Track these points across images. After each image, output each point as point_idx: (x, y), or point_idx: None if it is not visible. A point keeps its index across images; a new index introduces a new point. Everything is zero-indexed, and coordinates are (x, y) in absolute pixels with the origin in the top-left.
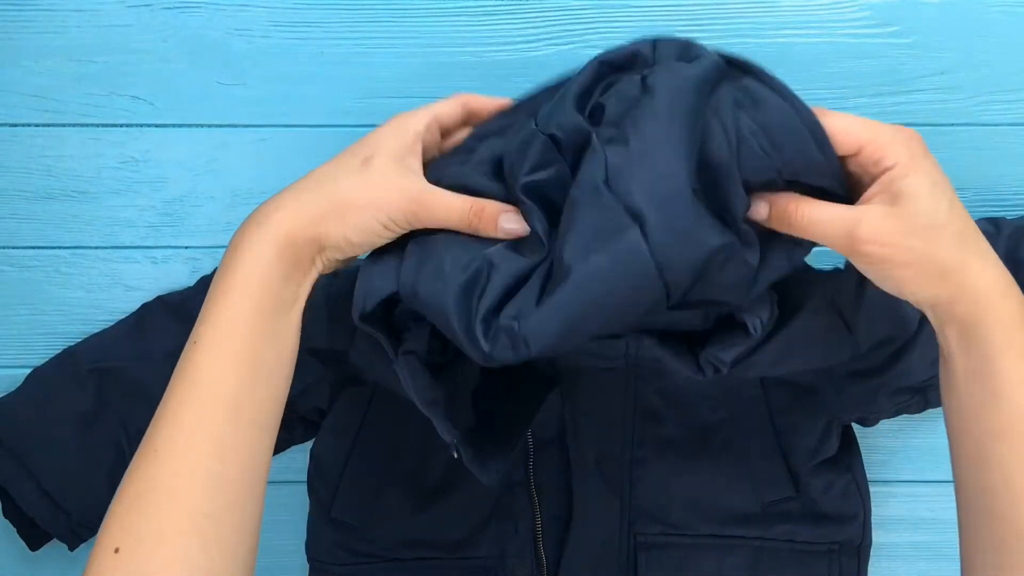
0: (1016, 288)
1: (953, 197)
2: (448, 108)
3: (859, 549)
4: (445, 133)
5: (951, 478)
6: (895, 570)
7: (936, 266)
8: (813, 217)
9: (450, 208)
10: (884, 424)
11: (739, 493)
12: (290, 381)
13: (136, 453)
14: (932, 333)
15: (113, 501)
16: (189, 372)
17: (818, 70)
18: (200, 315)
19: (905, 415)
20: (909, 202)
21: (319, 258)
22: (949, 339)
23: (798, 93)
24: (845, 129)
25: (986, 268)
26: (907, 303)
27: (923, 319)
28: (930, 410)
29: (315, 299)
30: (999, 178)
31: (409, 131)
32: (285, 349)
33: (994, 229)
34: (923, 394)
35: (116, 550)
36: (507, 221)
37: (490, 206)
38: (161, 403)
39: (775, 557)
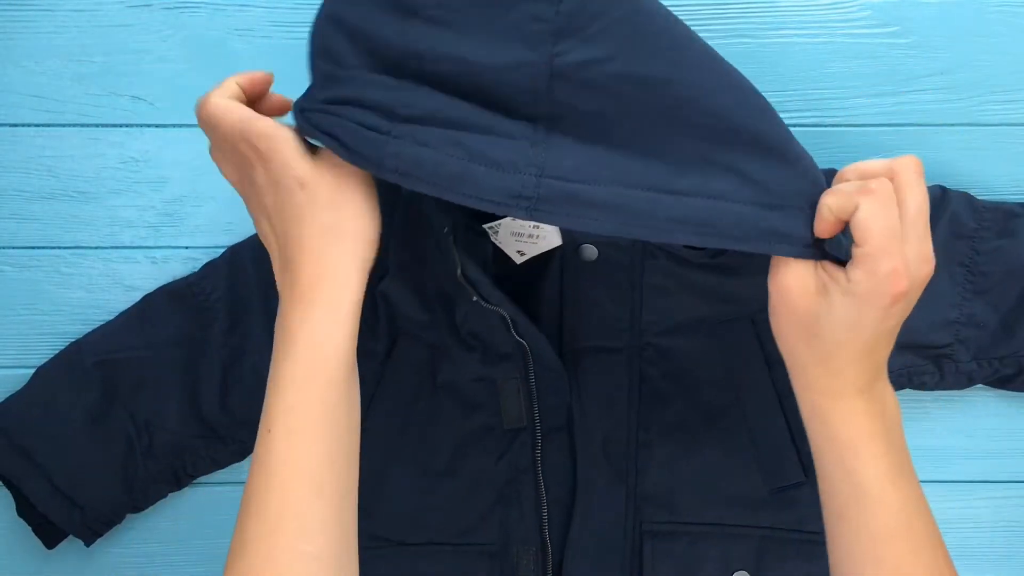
0: (867, 392)
1: (866, 345)
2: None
3: None
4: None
5: (951, 478)
6: None
7: (796, 355)
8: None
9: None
10: None
11: (747, 478)
12: (359, 434)
13: (231, 546)
14: (929, 290)
15: None
16: (265, 460)
17: (818, 70)
18: (266, 401)
19: (905, 414)
20: (825, 310)
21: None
22: (805, 420)
23: (798, 93)
24: (868, 227)
25: (831, 377)
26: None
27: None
28: (929, 411)
29: None
30: (999, 178)
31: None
32: (355, 408)
33: (1021, 210)
34: (936, 363)
35: None
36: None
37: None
38: (246, 494)
39: (782, 546)
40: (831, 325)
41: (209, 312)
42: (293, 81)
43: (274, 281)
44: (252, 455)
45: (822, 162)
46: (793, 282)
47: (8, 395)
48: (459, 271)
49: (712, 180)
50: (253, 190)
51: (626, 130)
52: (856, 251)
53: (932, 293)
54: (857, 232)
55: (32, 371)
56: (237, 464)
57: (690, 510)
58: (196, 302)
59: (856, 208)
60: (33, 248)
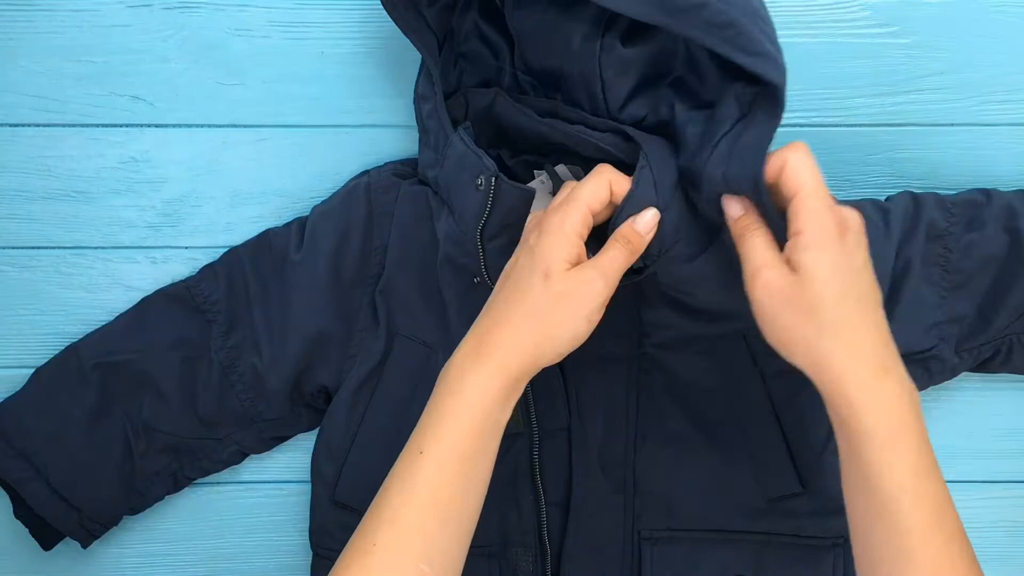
0: (893, 374)
1: (850, 285)
2: (597, 192)
3: None
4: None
5: (951, 478)
6: None
7: (803, 345)
8: (743, 242)
9: (615, 270)
10: None
11: (744, 489)
12: (484, 494)
13: (351, 544)
14: (913, 300)
15: None
16: (409, 478)
17: (818, 70)
18: (422, 427)
19: None
20: (804, 276)
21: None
22: (829, 415)
23: (798, 93)
24: (798, 174)
25: (853, 358)
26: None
27: (897, 285)
28: (929, 411)
29: (318, 273)
30: (999, 178)
31: (572, 237)
32: (491, 462)
33: (984, 198)
34: (923, 366)
35: None
36: (642, 227)
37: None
38: (377, 503)
39: (781, 551)
40: (814, 285)
41: (207, 314)
42: (293, 81)
43: (270, 282)
44: (396, 468)
45: (822, 162)
46: (769, 274)
47: (8, 395)
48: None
49: None
50: (522, 250)
51: None
52: (794, 202)
53: (916, 300)
54: (791, 182)
55: (32, 371)
56: (237, 465)
57: (688, 518)
58: (194, 304)
59: (786, 161)
60: (33, 248)
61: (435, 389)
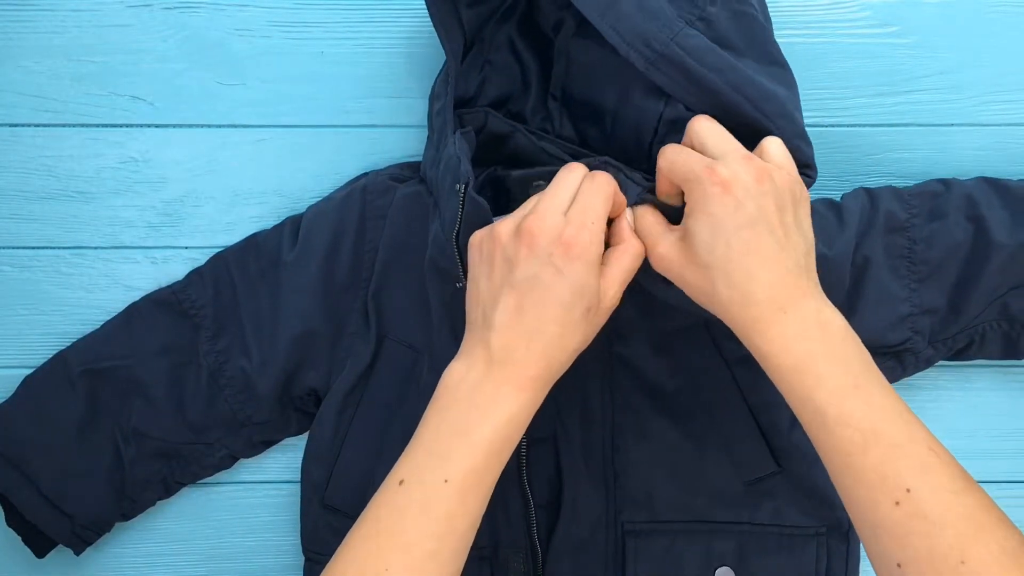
0: (791, 312)
1: (731, 239)
2: (607, 209)
3: (848, 532)
4: None
5: None
6: None
7: (707, 299)
8: (640, 217)
9: (625, 273)
10: None
11: (722, 475)
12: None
13: (362, 564)
14: (878, 293)
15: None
16: (432, 508)
17: (818, 70)
18: (460, 457)
19: None
20: (690, 241)
21: None
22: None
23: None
24: (672, 160)
25: (746, 306)
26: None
27: (859, 279)
28: (927, 411)
29: (310, 274)
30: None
31: (599, 262)
32: (502, 468)
33: (943, 188)
34: (897, 359)
35: None
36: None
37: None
38: (390, 525)
39: (763, 542)
40: (699, 248)
41: (194, 319)
42: (293, 81)
43: (258, 285)
44: (411, 489)
45: (822, 162)
46: (660, 249)
47: (8, 395)
48: (456, 233)
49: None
50: (540, 265)
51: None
52: (684, 195)
53: (882, 293)
54: (664, 170)
55: (32, 371)
56: (227, 469)
57: (669, 509)
58: (181, 309)
59: (660, 158)
60: (33, 248)
61: (449, 398)
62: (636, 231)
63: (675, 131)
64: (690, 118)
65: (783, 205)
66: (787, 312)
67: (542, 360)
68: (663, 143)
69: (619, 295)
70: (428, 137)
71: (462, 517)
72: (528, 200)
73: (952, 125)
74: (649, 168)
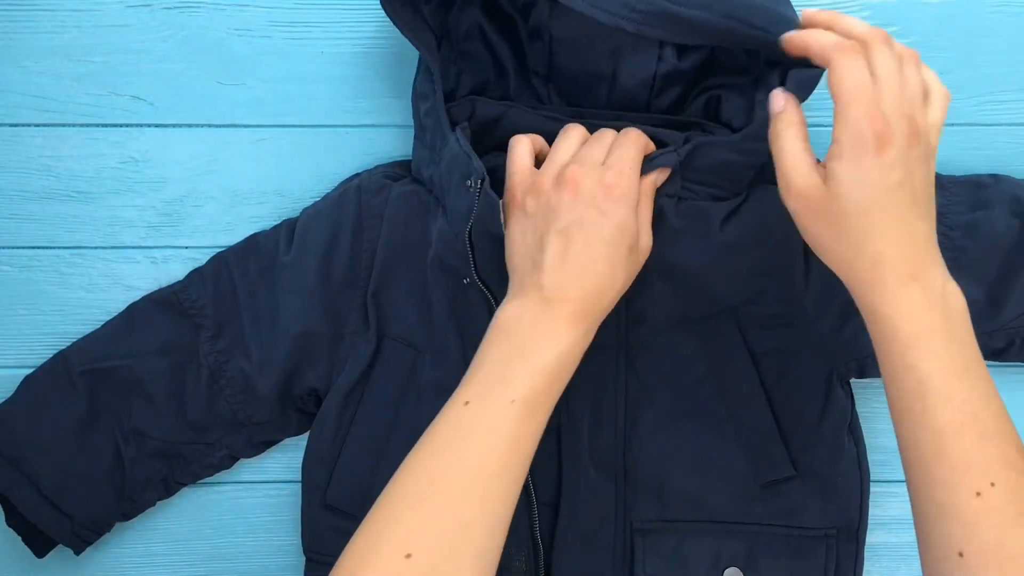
0: (919, 281)
1: (876, 199)
2: (639, 155)
3: (857, 533)
4: None
5: None
6: (895, 570)
7: (830, 254)
8: (777, 141)
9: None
10: (884, 424)
11: (736, 474)
12: None
13: (433, 476)
14: None
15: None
16: (496, 428)
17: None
18: (522, 375)
19: None
20: (832, 186)
21: None
22: (866, 324)
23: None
24: (840, 80)
25: (875, 268)
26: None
27: None
28: None
29: (308, 274)
30: None
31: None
32: (557, 400)
33: (992, 180)
34: None
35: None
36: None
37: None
38: (458, 451)
39: (772, 542)
40: (844, 196)
41: (195, 319)
42: (293, 81)
43: (258, 285)
44: (473, 416)
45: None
46: (800, 183)
47: (8, 395)
48: (468, 232)
49: None
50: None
51: None
52: (835, 109)
53: None
54: (833, 87)
55: (32, 371)
56: (227, 469)
57: (680, 506)
58: (181, 309)
59: (831, 63)
60: (33, 248)
61: (508, 331)
62: (774, 144)
63: (672, 83)
64: (683, 68)
65: (929, 173)
66: (917, 280)
67: (593, 296)
68: (660, 97)
69: (651, 238)
70: (416, 137)
71: (525, 440)
72: (553, 149)
73: (952, 125)
74: (653, 123)
